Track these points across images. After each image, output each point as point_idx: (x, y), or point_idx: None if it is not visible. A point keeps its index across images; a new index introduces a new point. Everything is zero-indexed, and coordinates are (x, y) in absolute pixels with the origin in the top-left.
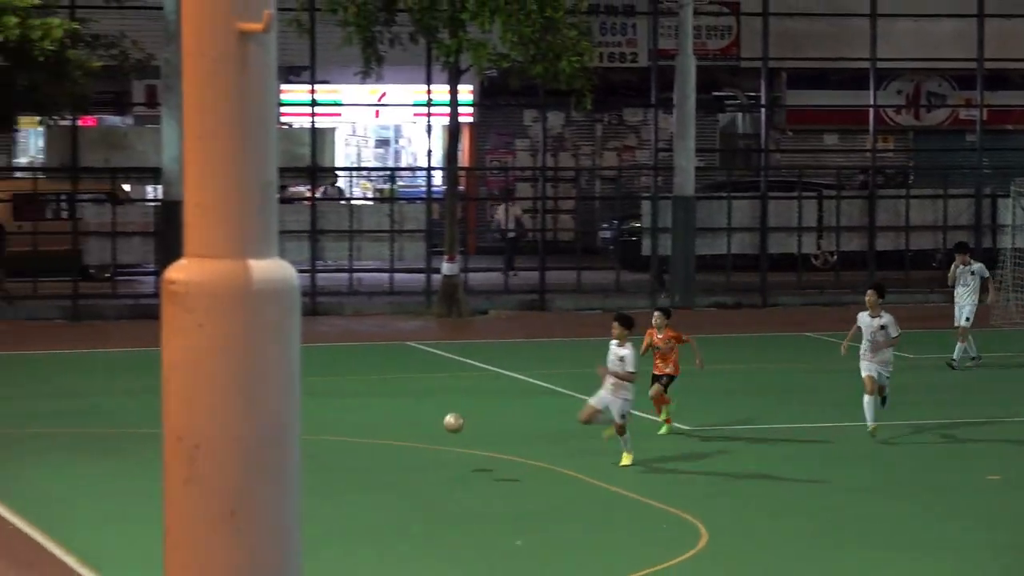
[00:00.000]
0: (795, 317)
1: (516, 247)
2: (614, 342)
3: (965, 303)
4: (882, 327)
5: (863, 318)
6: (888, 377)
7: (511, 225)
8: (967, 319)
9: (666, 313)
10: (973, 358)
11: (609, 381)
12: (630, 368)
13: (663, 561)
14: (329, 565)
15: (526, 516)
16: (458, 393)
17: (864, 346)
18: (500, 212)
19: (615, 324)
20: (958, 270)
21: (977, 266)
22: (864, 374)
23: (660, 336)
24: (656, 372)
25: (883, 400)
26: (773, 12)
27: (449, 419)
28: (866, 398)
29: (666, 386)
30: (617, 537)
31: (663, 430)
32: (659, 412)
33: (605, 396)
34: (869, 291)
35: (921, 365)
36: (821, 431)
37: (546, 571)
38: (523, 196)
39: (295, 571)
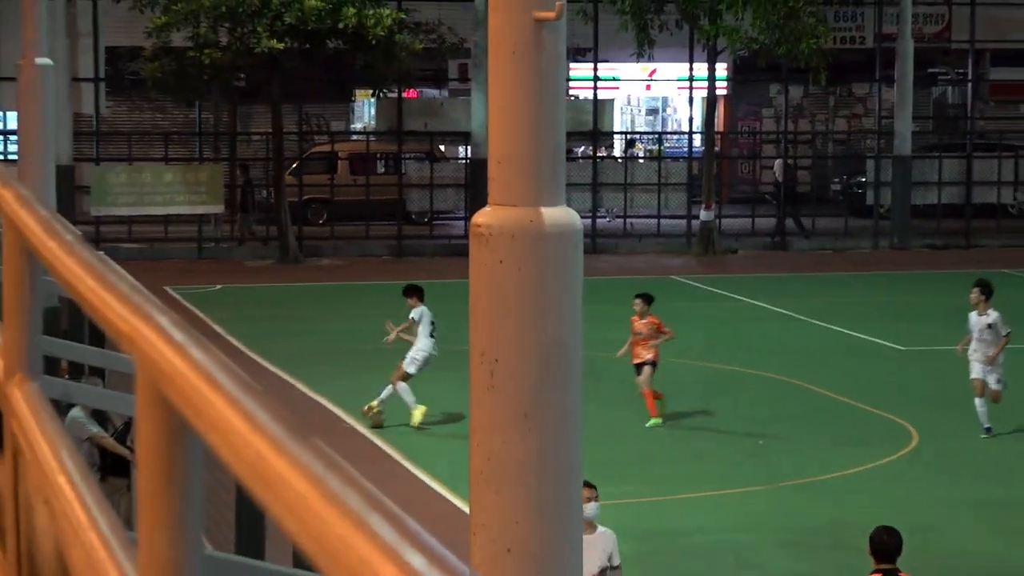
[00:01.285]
0: (994, 256)
1: (788, 195)
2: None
3: None
4: (989, 325)
5: (972, 317)
6: (1000, 381)
7: (780, 177)
8: None
9: (646, 299)
10: None
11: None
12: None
13: (878, 460)
14: (602, 459)
15: (768, 420)
16: (713, 319)
17: (972, 346)
18: (776, 166)
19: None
20: None
21: None
22: (972, 376)
23: (643, 322)
24: (636, 361)
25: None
26: (980, 2)
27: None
28: (977, 401)
29: (649, 373)
30: (838, 437)
31: (651, 423)
32: (651, 406)
33: None
34: (974, 289)
35: None
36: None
37: (782, 465)
38: (768, 155)
39: (577, 463)
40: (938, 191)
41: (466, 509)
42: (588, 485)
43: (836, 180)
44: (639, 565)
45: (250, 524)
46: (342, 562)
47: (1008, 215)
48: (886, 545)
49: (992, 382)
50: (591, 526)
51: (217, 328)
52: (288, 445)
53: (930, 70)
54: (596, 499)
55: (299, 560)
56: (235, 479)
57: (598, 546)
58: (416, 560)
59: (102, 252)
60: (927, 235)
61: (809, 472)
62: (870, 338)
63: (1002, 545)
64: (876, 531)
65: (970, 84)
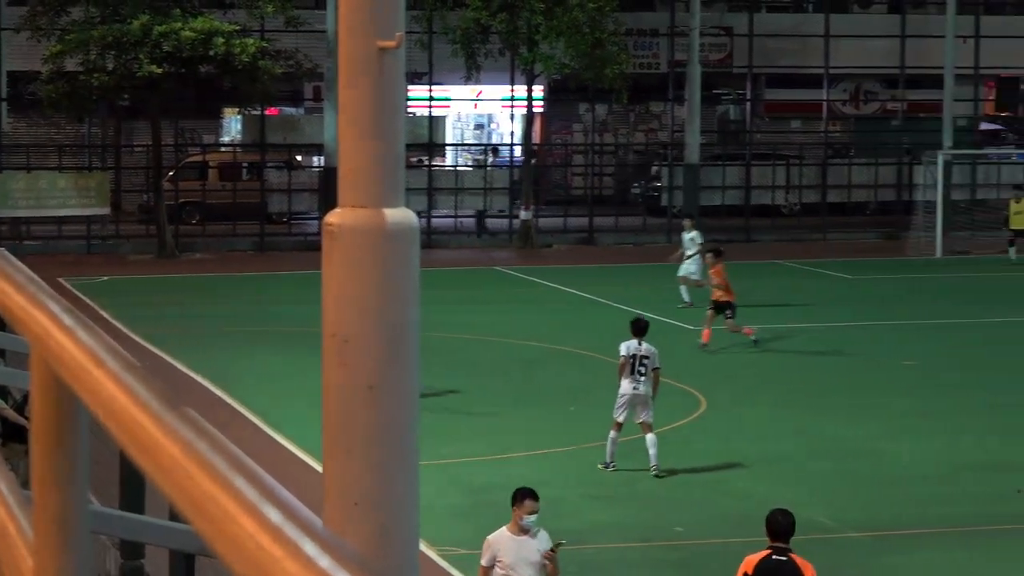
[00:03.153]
0: (770, 249)
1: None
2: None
3: None
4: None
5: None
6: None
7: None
8: None
9: (716, 253)
10: None
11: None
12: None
13: (673, 423)
14: (436, 425)
15: (578, 390)
16: (531, 303)
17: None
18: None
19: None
20: None
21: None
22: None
23: (714, 270)
24: (716, 300)
25: None
26: (756, 34)
27: None
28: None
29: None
30: None
31: (753, 338)
32: (748, 331)
33: None
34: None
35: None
36: (788, 330)
37: (590, 429)
38: (577, 164)
39: (415, 428)
40: (722, 194)
41: (320, 469)
42: (533, 496)
43: (635, 185)
44: (472, 516)
45: (132, 483)
46: (209, 516)
47: (781, 214)
48: (780, 525)
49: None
50: (527, 532)
51: (103, 314)
52: (163, 415)
53: (715, 91)
54: (537, 511)
55: (174, 515)
56: (118, 444)
57: (536, 545)
58: (274, 514)
59: (2, 248)
60: (713, 232)
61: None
62: (665, 319)
63: (769, 489)
64: (772, 512)
65: (748, 103)
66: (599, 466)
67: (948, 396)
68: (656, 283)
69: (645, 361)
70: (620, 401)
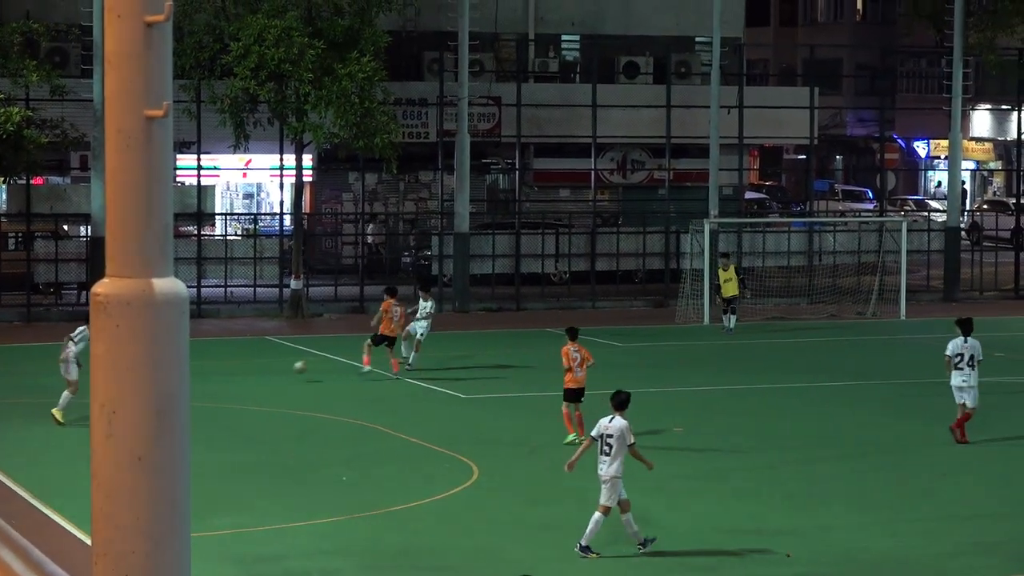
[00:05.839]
0: (540, 317)
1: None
2: None
3: None
4: None
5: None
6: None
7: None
8: None
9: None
10: None
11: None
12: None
13: (445, 491)
14: (210, 497)
15: (351, 460)
16: (301, 374)
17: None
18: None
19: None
20: None
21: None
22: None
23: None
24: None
25: None
26: (524, 104)
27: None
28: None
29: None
30: (412, 474)
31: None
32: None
33: None
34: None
35: (628, 353)
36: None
37: (365, 499)
38: (347, 232)
39: (186, 501)
40: (492, 262)
41: (89, 542)
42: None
43: (406, 253)
44: None
45: None
46: None
47: (551, 282)
48: None
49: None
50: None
51: None
52: None
53: (484, 160)
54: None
55: None
56: None
57: None
58: None
59: None
60: (484, 300)
61: (384, 503)
62: (437, 388)
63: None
64: None
65: (517, 172)
66: (577, 550)
67: (716, 461)
68: (429, 351)
69: (609, 440)
70: (619, 484)
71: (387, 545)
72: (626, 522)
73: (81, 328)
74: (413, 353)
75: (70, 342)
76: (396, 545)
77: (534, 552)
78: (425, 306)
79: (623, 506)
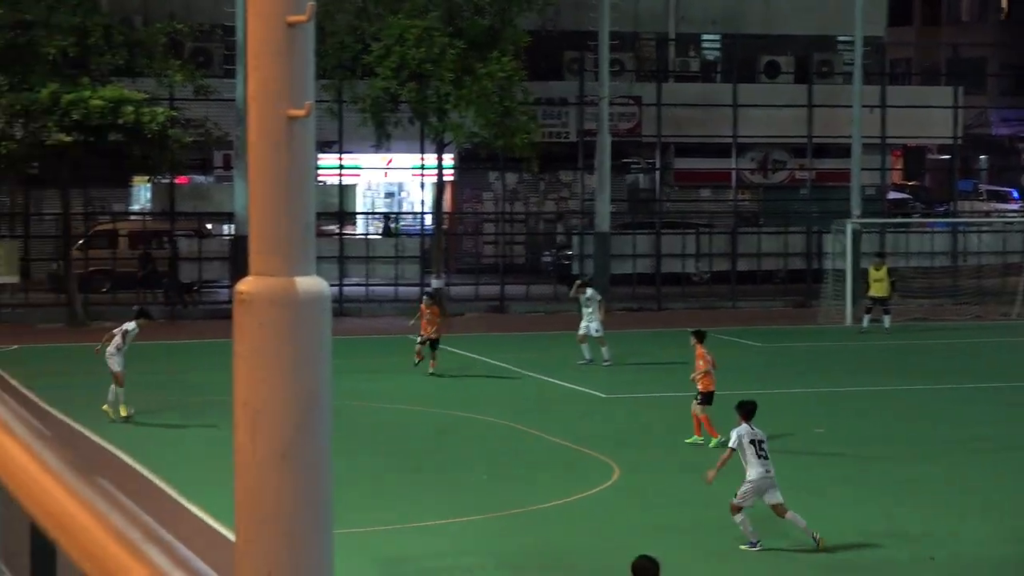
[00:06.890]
0: (681, 317)
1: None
2: None
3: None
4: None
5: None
6: None
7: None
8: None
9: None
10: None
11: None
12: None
13: (584, 491)
14: (351, 495)
15: (491, 458)
16: (444, 372)
17: None
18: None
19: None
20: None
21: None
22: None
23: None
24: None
25: None
26: (665, 103)
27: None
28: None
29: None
30: (550, 474)
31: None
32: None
33: None
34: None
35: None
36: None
37: (503, 498)
38: (488, 232)
39: (328, 498)
40: (633, 262)
41: (233, 538)
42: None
43: (547, 253)
44: None
45: (42, 554)
46: None
47: (691, 282)
48: (647, 571)
49: None
50: None
51: (13, 383)
52: (75, 485)
53: (624, 160)
54: None
55: None
56: (28, 515)
57: None
58: None
59: None
60: (624, 300)
61: (523, 503)
62: (576, 387)
63: (687, 556)
64: (638, 559)
65: (658, 172)
66: (743, 548)
67: (861, 464)
68: (567, 350)
69: (764, 445)
70: (748, 487)
71: (522, 545)
72: (741, 521)
73: (130, 323)
74: (603, 348)
75: (117, 335)
76: (531, 545)
77: (667, 554)
78: (589, 300)
79: (754, 505)
